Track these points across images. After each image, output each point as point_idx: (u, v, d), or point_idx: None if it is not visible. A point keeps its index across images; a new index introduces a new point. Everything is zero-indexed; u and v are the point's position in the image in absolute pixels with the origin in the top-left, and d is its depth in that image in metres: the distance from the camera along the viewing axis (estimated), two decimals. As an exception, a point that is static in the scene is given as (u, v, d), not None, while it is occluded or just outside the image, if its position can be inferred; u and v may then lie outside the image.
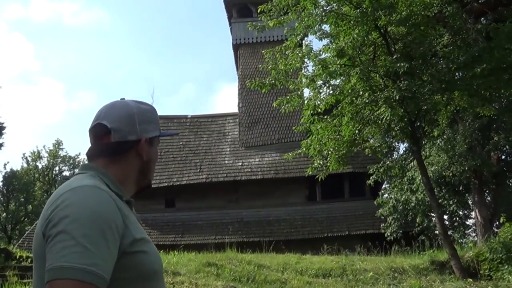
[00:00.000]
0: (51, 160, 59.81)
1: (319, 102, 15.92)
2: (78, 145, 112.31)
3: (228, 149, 32.29)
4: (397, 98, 14.16)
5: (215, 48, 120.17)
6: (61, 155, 60.32)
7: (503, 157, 25.96)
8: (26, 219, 57.27)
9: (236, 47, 35.05)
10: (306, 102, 16.40)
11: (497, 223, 23.70)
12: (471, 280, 14.13)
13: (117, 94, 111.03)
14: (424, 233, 23.73)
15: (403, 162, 25.01)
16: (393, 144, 24.86)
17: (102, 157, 2.13)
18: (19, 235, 49.74)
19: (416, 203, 23.34)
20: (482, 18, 19.53)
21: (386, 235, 24.41)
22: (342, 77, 15.88)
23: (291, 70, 16.70)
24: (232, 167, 30.89)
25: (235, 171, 30.65)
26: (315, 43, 53.85)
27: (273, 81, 16.46)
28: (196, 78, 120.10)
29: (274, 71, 16.43)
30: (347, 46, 14.91)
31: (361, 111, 15.59)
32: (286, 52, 16.53)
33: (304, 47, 16.66)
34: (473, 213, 24.85)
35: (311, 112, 16.07)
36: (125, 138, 2.12)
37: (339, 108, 15.97)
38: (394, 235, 24.03)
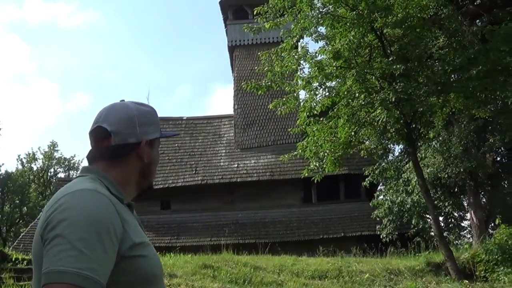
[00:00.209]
0: (46, 162, 59.73)
1: (315, 104, 15.91)
2: (74, 147, 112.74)
3: (224, 151, 32.27)
4: (393, 100, 14.17)
5: (210, 49, 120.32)
6: (56, 157, 60.29)
7: (498, 158, 26.05)
8: (21, 221, 57.16)
9: (232, 49, 35.04)
10: (302, 104, 16.39)
11: (492, 224, 23.76)
12: (467, 281, 14.13)
13: (113, 95, 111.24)
14: (420, 234, 23.74)
15: (399, 163, 25.05)
16: (389, 146, 24.91)
17: (102, 160, 2.12)
18: (14, 237, 49.62)
19: (412, 205, 23.35)
20: (478, 20, 19.57)
21: (381, 236, 24.42)
22: (338, 79, 15.90)
23: (287, 72, 16.70)
24: (227, 169, 30.86)
25: (231, 173, 30.62)
26: (311, 45, 53.91)
27: (269, 83, 16.46)
28: (191, 80, 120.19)
29: (270, 73, 16.42)
30: (343, 48, 14.91)
31: (357, 113, 15.59)
32: (282, 54, 16.53)
33: (300, 49, 16.63)
34: (468, 215, 24.92)
35: (307, 114, 16.07)
36: (126, 141, 2.11)
37: (335, 110, 15.96)
38: (390, 236, 24.04)
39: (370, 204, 25.19)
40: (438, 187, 23.77)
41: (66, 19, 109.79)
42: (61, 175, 58.93)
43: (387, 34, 15.95)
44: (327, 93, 16.01)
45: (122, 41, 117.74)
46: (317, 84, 15.94)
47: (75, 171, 60.07)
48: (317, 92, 16.29)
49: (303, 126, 16.52)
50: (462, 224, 27.38)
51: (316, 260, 17.21)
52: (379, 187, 28.35)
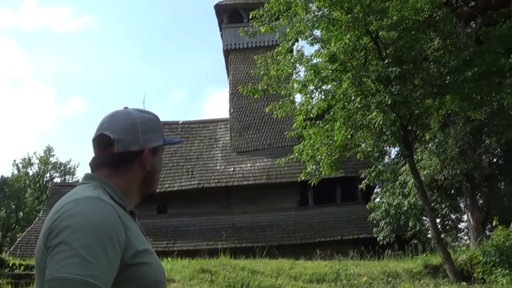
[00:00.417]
0: (42, 167, 59.61)
1: (311, 107, 15.92)
2: (69, 152, 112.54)
3: (220, 155, 32.25)
4: (389, 102, 14.19)
5: (205, 53, 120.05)
6: (52, 161, 60.15)
7: (495, 160, 26.04)
8: (17, 226, 57.01)
9: (227, 53, 35.01)
10: (298, 107, 16.40)
11: (490, 226, 23.77)
12: (465, 283, 14.16)
13: (108, 99, 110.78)
14: (417, 237, 23.72)
15: (395, 166, 25.04)
16: (385, 148, 24.91)
17: (105, 167, 2.12)
18: (10, 242, 49.45)
19: (408, 207, 23.32)
20: (472, 22, 19.62)
21: (378, 239, 24.39)
22: (334, 82, 15.93)
23: (283, 75, 16.71)
24: (224, 173, 30.85)
25: (227, 176, 30.61)
26: (306, 48, 53.92)
27: (265, 87, 16.47)
28: (186, 83, 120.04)
29: (266, 76, 16.44)
30: (339, 51, 14.92)
31: (353, 116, 15.61)
32: (278, 58, 16.55)
33: (295, 53, 16.65)
34: (465, 216, 24.92)
35: (303, 117, 16.09)
36: (128, 149, 2.11)
37: (331, 113, 15.97)
38: (387, 239, 24.02)
39: (367, 207, 25.16)
40: (434, 189, 23.75)
41: (61, 23, 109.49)
42: (57, 180, 58.80)
43: (382, 36, 15.97)
44: (323, 96, 16.04)
45: (117, 45, 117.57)
46: (313, 87, 15.96)
47: (71, 176, 60.05)
48: (313, 96, 16.34)
49: (300, 130, 16.54)
50: (459, 226, 27.45)
51: (314, 264, 17.20)
52: (375, 190, 28.36)
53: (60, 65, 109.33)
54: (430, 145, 22.38)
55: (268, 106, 17.12)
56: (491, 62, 14.73)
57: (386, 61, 14.93)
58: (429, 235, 22.20)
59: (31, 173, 59.90)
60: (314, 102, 16.15)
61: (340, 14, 15.44)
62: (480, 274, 14.92)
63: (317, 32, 16.09)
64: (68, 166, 60.38)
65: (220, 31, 35.39)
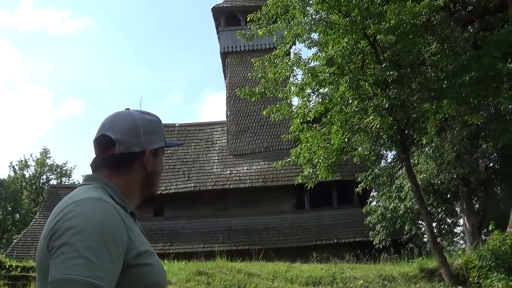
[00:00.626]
0: (38, 169, 59.56)
1: (308, 111, 15.92)
2: (66, 154, 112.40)
3: (216, 158, 32.21)
4: (386, 106, 14.21)
5: (202, 56, 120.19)
6: (48, 163, 60.12)
7: (491, 164, 26.10)
8: (13, 227, 56.96)
9: (224, 55, 34.99)
10: (295, 110, 16.40)
11: (486, 230, 23.77)
12: (460, 287, 14.18)
13: (105, 101, 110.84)
14: (413, 240, 23.72)
15: (391, 170, 25.05)
16: (381, 152, 24.91)
17: (106, 168, 2.12)
18: (7, 244, 49.38)
19: (405, 211, 23.30)
20: (470, 26, 19.68)
21: (374, 243, 24.38)
22: (331, 86, 15.91)
23: (280, 78, 16.70)
24: (220, 176, 30.81)
25: (224, 179, 30.57)
26: (304, 51, 53.94)
27: (263, 90, 16.47)
28: (183, 86, 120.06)
29: (264, 79, 16.43)
30: (336, 55, 14.92)
31: (350, 119, 15.59)
32: (275, 61, 16.54)
33: (293, 56, 16.65)
34: (461, 221, 24.94)
35: (301, 120, 16.08)
36: (129, 150, 2.11)
37: (329, 116, 15.96)
38: (383, 243, 24.01)
39: (363, 210, 25.13)
40: (431, 193, 23.76)
41: (58, 25, 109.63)
42: (54, 182, 58.77)
43: (380, 40, 15.98)
44: (320, 100, 16.03)
45: (114, 48, 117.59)
46: (310, 90, 15.97)
47: (67, 178, 60.06)
48: (310, 99, 16.32)
49: (297, 133, 16.52)
50: (455, 230, 27.42)
51: (310, 267, 17.19)
52: (372, 193, 28.34)
53: (56, 67, 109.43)
54: (426, 149, 22.38)
55: (265, 109, 17.11)
56: (488, 66, 14.76)
57: (383, 65, 14.94)
58: (425, 239, 22.22)
59: (27, 175, 59.96)
60: (311, 105, 16.14)
61: (338, 18, 15.44)
62: (476, 278, 14.93)
63: (315, 36, 16.10)
64: (64, 168, 60.43)
65: (217, 34, 35.36)
